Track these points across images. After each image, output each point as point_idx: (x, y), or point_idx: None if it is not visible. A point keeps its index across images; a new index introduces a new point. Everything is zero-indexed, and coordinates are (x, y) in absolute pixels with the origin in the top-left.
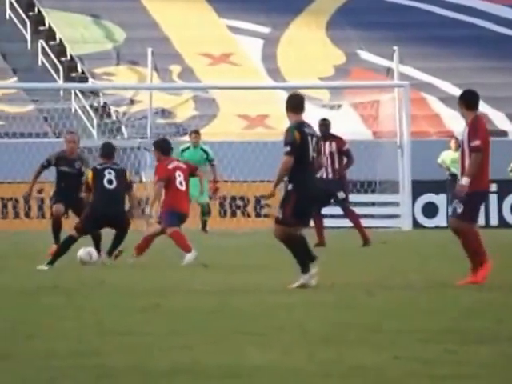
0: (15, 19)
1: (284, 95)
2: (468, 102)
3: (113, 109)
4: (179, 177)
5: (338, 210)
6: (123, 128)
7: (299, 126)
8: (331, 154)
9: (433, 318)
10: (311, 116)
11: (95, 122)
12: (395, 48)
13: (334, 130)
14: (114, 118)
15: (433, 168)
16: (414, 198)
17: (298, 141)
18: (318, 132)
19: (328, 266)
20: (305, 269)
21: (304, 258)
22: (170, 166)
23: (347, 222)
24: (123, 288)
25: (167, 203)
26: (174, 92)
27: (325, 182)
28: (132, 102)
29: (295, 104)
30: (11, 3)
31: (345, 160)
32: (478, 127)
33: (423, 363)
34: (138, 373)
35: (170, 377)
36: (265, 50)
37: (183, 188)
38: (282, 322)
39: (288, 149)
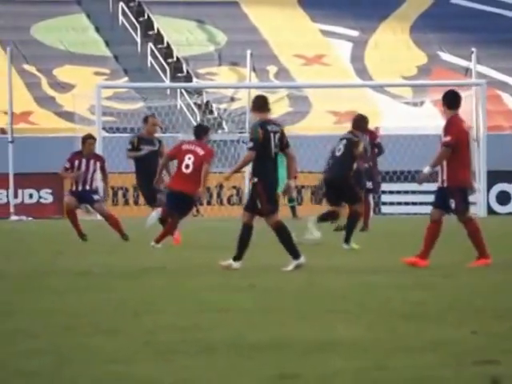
0: (127, 24)
1: (371, 93)
2: (449, 101)
3: (214, 106)
4: (188, 160)
5: (416, 198)
6: (224, 123)
7: (262, 124)
8: (364, 146)
9: (504, 297)
10: (395, 111)
11: (198, 117)
12: (473, 49)
13: (416, 125)
14: (215, 114)
15: (506, 159)
16: (489, 186)
17: (261, 138)
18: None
19: (407, 251)
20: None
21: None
22: (184, 147)
23: (424, 209)
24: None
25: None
26: (271, 90)
27: (357, 173)
28: (232, 99)
29: (259, 104)
30: (123, 10)
31: (376, 151)
32: (451, 125)
33: (498, 338)
34: (234, 346)
35: (263, 350)
36: (354, 52)
37: (188, 171)
38: (366, 301)
39: (251, 145)
